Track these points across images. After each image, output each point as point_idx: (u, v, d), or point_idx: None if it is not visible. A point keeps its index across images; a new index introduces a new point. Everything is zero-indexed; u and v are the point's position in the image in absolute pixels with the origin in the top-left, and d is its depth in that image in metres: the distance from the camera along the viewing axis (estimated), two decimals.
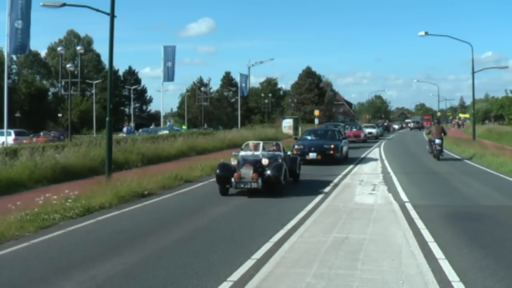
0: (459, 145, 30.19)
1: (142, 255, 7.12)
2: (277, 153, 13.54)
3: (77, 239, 8.18)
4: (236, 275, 6.09)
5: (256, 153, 13.22)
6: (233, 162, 12.57)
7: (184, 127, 57.18)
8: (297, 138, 23.62)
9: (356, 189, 13.64)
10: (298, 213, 9.97)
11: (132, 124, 64.10)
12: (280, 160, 12.77)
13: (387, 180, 15.38)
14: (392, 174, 17.02)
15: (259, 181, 11.77)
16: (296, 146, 20.73)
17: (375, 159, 23.15)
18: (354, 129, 39.89)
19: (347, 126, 41.19)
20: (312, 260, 6.71)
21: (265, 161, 12.28)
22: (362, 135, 38.79)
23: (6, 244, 7.77)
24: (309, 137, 22.90)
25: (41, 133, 44.08)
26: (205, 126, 62.17)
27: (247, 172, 11.91)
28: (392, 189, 13.50)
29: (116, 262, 6.73)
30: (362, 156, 25.22)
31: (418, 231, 8.41)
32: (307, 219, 9.49)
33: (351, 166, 19.65)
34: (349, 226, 8.93)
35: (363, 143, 36.78)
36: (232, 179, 11.92)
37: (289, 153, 15.61)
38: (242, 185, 11.91)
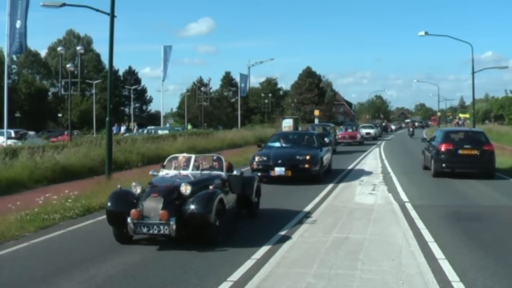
0: None
1: (142, 255, 7.13)
2: (214, 172, 8.85)
3: (77, 239, 8.19)
4: (236, 275, 6.09)
5: (183, 172, 8.71)
6: (136, 189, 7.73)
7: (189, 126, 57.41)
8: (260, 146, 16.93)
9: (356, 189, 13.64)
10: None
11: (132, 124, 64.11)
12: (211, 187, 7.85)
13: (387, 180, 15.38)
14: (392, 174, 17.03)
15: (172, 222, 7.13)
16: (256, 158, 14.82)
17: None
18: (350, 130, 36.99)
19: (341, 127, 39.24)
20: (312, 260, 6.71)
21: (185, 188, 7.56)
22: (358, 136, 35.99)
23: (6, 244, 7.78)
24: (277, 144, 16.45)
25: (65, 132, 44.35)
26: (205, 125, 62.24)
27: (154, 207, 7.29)
28: (392, 189, 13.50)
29: (116, 262, 6.73)
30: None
31: (418, 231, 8.42)
32: (306, 220, 9.49)
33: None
34: (349, 226, 8.94)
35: (359, 145, 33.93)
36: (129, 219, 7.25)
37: (236, 172, 9.34)
38: (144, 229, 7.27)
